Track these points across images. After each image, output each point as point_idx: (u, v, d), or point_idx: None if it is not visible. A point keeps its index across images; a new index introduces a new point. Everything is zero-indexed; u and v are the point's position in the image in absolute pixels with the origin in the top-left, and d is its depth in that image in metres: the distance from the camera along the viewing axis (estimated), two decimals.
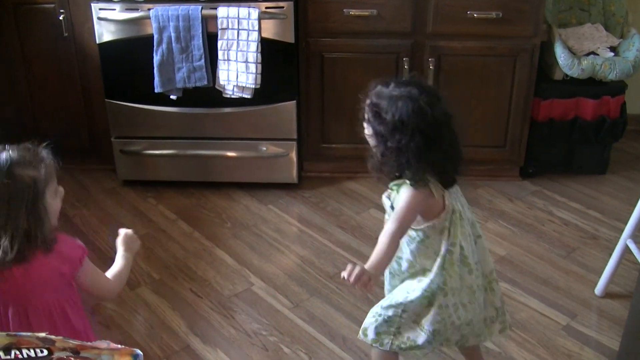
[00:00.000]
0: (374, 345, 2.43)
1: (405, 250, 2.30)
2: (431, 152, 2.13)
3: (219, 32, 3.50)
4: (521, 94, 3.78)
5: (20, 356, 1.78)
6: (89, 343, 1.83)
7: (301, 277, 3.29)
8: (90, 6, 3.61)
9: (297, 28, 3.65)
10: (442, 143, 2.17)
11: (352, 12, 3.61)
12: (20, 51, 3.86)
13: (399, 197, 2.22)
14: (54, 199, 2.10)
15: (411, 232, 2.25)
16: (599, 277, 3.16)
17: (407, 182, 2.17)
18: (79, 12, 3.73)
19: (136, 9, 3.57)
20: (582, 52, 3.84)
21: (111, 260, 3.37)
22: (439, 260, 2.24)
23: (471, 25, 3.62)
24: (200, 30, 3.50)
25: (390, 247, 2.19)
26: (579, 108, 3.88)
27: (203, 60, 3.55)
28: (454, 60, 3.73)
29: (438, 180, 2.21)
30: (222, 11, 3.47)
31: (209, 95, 3.67)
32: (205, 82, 3.60)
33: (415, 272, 2.33)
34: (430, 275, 2.26)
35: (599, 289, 3.16)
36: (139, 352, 1.88)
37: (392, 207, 2.26)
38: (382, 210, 3.71)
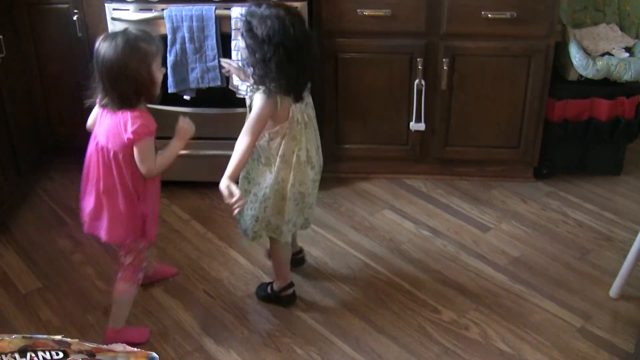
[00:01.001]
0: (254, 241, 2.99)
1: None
2: (289, 66, 2.56)
3: (233, 33, 3.50)
4: (535, 95, 3.76)
5: (35, 358, 1.78)
6: (104, 346, 1.84)
7: (314, 278, 3.28)
8: (104, 6, 3.61)
9: (311, 28, 3.65)
10: (300, 59, 2.59)
11: (366, 12, 3.60)
12: (34, 51, 3.87)
13: (254, 103, 2.69)
14: (157, 72, 2.66)
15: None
16: (614, 278, 3.15)
17: (261, 90, 2.63)
18: (92, 12, 3.73)
19: (150, 9, 3.57)
20: (597, 52, 3.82)
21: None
22: (278, 160, 2.77)
23: (485, 26, 3.61)
24: (214, 31, 3.50)
25: (245, 155, 2.70)
26: (593, 109, 3.86)
27: (217, 61, 3.54)
28: (468, 60, 3.72)
29: (289, 94, 2.66)
30: (235, 11, 3.47)
31: (222, 95, 3.67)
32: (219, 83, 3.60)
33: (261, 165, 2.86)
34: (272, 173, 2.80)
35: (613, 290, 3.14)
36: (155, 355, 1.88)
37: (250, 108, 2.75)
38: (396, 210, 3.72)
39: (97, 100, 2.78)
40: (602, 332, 2.96)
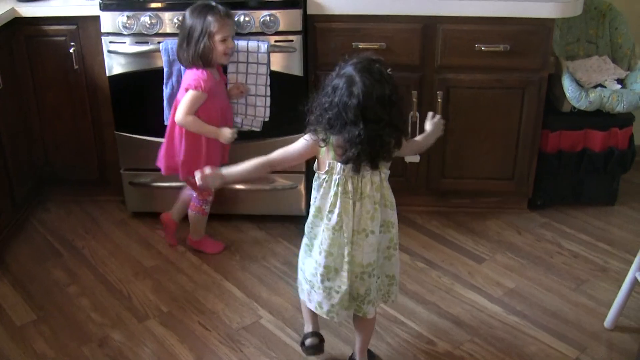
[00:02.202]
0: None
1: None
2: (344, 128, 2.36)
3: (229, 65, 3.52)
4: (529, 126, 3.79)
5: None
6: None
7: None
8: (101, 39, 3.64)
9: (307, 61, 3.67)
10: (355, 127, 2.35)
11: (361, 45, 3.63)
12: (32, 83, 3.89)
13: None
14: (219, 43, 3.24)
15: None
16: (609, 309, 3.15)
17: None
18: (89, 45, 3.76)
19: (146, 42, 3.60)
20: (589, 84, 3.85)
21: (119, 293, 3.40)
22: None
23: (479, 58, 3.64)
24: None
25: (254, 169, 2.65)
26: (587, 140, 3.89)
27: None
28: (463, 92, 3.74)
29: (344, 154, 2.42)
30: None
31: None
32: None
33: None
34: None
35: (608, 321, 3.15)
36: None
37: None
38: None
39: None
40: None
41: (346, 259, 2.53)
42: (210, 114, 3.33)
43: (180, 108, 3.31)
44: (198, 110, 3.30)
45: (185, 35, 3.26)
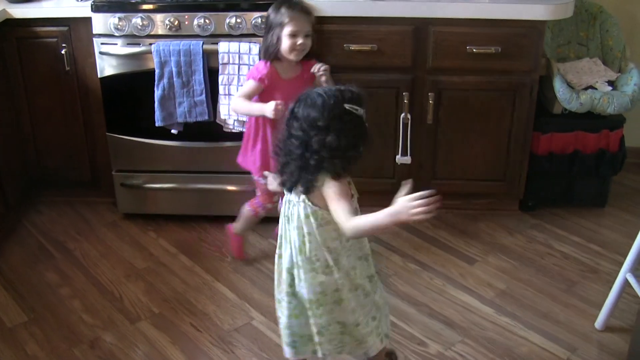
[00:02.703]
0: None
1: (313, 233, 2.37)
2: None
3: (220, 67, 3.53)
4: (521, 128, 3.80)
5: None
6: None
7: None
8: (93, 40, 3.64)
9: None
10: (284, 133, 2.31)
11: (353, 47, 3.64)
12: (23, 85, 3.89)
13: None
14: (287, 37, 3.14)
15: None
16: (600, 310, 3.16)
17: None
18: (81, 46, 3.76)
19: (138, 44, 3.60)
20: (580, 86, 3.86)
21: (111, 294, 3.40)
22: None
23: (471, 60, 3.65)
24: (202, 65, 3.53)
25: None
26: (578, 142, 3.90)
27: (204, 95, 3.57)
28: (454, 94, 3.75)
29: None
30: (223, 46, 3.50)
31: (209, 129, 3.69)
32: (206, 117, 3.62)
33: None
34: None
35: (599, 322, 3.15)
36: None
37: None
38: (383, 244, 3.73)
39: None
40: None
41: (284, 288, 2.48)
42: None
43: (234, 95, 3.38)
44: (255, 100, 3.24)
45: (265, 27, 3.28)
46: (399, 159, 3.81)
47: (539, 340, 3.09)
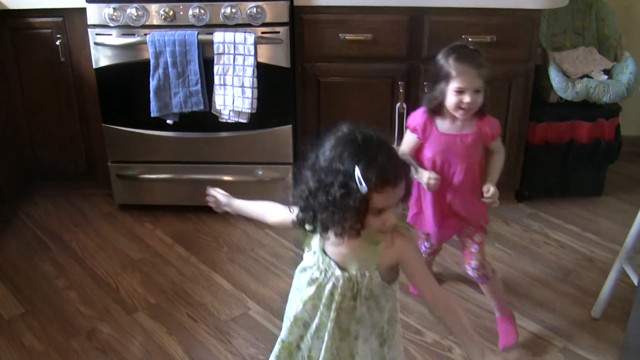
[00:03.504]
0: None
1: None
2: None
3: (215, 57, 3.52)
4: (516, 117, 3.80)
5: None
6: None
7: None
8: (87, 31, 3.63)
9: (293, 53, 3.67)
10: None
11: (348, 36, 3.63)
12: (18, 76, 3.88)
13: (400, 251, 1.99)
14: (452, 93, 2.67)
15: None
16: (596, 299, 3.16)
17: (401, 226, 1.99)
18: (76, 37, 3.75)
19: (133, 34, 3.59)
20: (576, 75, 3.86)
21: (107, 286, 3.40)
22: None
23: None
24: (197, 56, 3.52)
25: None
26: (574, 131, 3.90)
27: (199, 85, 3.56)
28: None
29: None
30: (218, 36, 3.50)
31: (205, 119, 3.69)
32: (202, 107, 3.61)
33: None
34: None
35: (595, 311, 3.16)
36: None
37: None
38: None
39: None
40: (584, 352, 2.97)
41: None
42: (421, 163, 2.85)
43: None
44: (414, 154, 2.85)
45: (432, 71, 2.80)
46: (395, 148, 3.80)
47: (535, 328, 3.09)
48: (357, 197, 1.81)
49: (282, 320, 3.13)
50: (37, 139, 4.05)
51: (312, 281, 2.07)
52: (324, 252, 2.05)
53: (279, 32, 3.55)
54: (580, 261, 3.57)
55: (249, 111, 3.58)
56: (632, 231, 2.95)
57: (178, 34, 3.50)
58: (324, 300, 2.04)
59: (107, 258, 3.62)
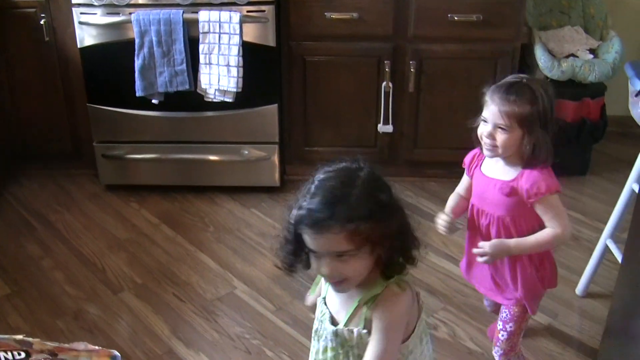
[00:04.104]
0: None
1: None
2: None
3: (201, 36, 3.51)
4: None
5: None
6: (66, 345, 1.83)
7: (284, 280, 3.28)
8: (72, 10, 3.60)
9: (279, 32, 3.66)
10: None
11: (334, 15, 3.62)
12: (2, 55, 3.85)
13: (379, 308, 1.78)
14: (483, 124, 2.37)
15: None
16: (580, 277, 3.18)
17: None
18: (60, 16, 3.72)
19: (117, 13, 3.57)
20: (562, 54, 3.86)
21: (93, 266, 3.39)
22: None
23: (452, 29, 3.64)
24: (182, 35, 3.50)
25: None
26: (559, 110, 3.89)
27: (185, 65, 3.55)
28: (435, 63, 3.74)
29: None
30: (203, 15, 3.48)
31: (191, 99, 3.68)
32: (187, 87, 3.60)
33: None
34: None
35: (580, 289, 3.18)
36: (117, 353, 1.88)
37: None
38: None
39: None
40: (569, 329, 2.99)
41: None
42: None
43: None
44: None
45: None
46: (381, 127, 3.81)
47: None
48: (289, 229, 1.72)
49: (267, 299, 3.16)
50: (22, 119, 4.02)
51: (314, 333, 1.94)
52: (324, 300, 1.92)
53: (264, 11, 3.53)
54: None
55: (235, 90, 3.57)
56: (617, 209, 2.97)
57: (163, 12, 3.48)
58: (321, 356, 1.90)
59: (93, 238, 3.62)
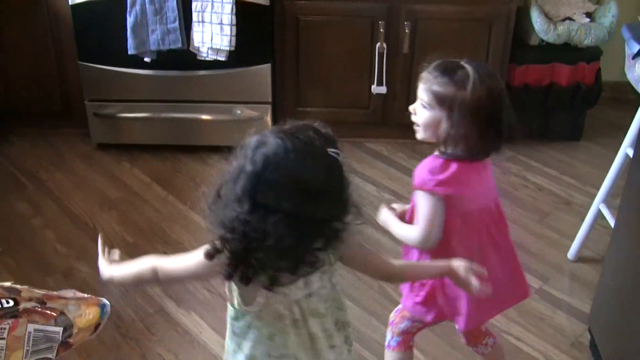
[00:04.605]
0: None
1: None
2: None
3: None
4: (497, 60, 3.78)
5: None
6: (54, 293, 1.83)
7: None
8: None
9: None
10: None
11: None
12: None
13: None
14: None
15: None
16: (572, 241, 3.19)
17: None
18: None
19: None
20: (558, 17, 3.84)
21: (84, 224, 3.38)
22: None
23: None
24: None
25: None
26: (554, 74, 3.89)
27: (177, 22, 3.51)
28: (430, 24, 3.71)
29: None
30: None
31: (183, 57, 3.65)
32: (180, 45, 3.57)
33: None
34: None
35: (571, 253, 3.19)
36: (106, 301, 1.88)
37: None
38: (358, 174, 3.71)
39: None
40: (560, 293, 3.00)
41: None
42: None
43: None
44: None
45: None
46: (375, 88, 3.79)
47: None
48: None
49: None
50: (12, 77, 3.98)
51: None
52: None
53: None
54: (558, 204, 3.59)
55: (228, 49, 3.54)
56: (610, 174, 2.96)
57: None
58: None
59: (84, 197, 3.60)
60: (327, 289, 1.81)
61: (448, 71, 2.05)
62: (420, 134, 2.12)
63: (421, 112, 2.07)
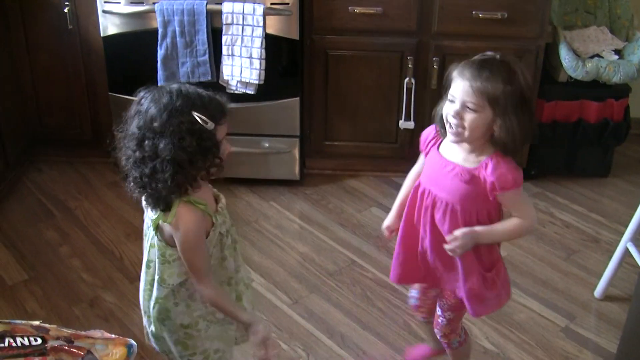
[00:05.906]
0: None
1: None
2: None
3: (224, 27, 3.50)
4: None
5: (14, 344, 1.78)
6: (82, 332, 1.83)
7: (301, 274, 3.28)
8: None
9: (302, 24, 3.65)
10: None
11: (358, 9, 3.61)
12: (25, 43, 3.86)
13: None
14: (448, 102, 2.09)
15: None
16: (599, 279, 3.16)
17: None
18: (84, 4, 3.72)
19: (141, 3, 3.57)
20: (586, 54, 3.83)
21: (111, 254, 3.40)
22: None
23: (476, 25, 3.62)
24: (205, 25, 3.50)
25: None
26: (582, 110, 3.88)
27: (207, 55, 3.54)
28: (459, 59, 3.70)
29: None
30: (227, 6, 3.47)
31: (212, 90, 3.66)
32: (209, 77, 3.60)
33: None
34: None
35: (598, 291, 3.16)
36: (133, 342, 1.88)
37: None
38: (384, 208, 3.71)
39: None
40: (586, 332, 2.97)
41: None
42: None
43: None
44: None
45: None
46: (402, 123, 3.80)
47: (537, 307, 3.09)
48: (210, 136, 1.95)
49: (284, 292, 3.15)
50: (44, 106, 4.03)
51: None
52: None
53: (288, 4, 3.52)
54: (585, 241, 3.56)
55: (257, 82, 3.56)
56: (638, 212, 2.94)
57: (187, 3, 3.48)
58: None
59: (111, 226, 3.62)
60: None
61: (491, 67, 2.03)
62: (464, 138, 2.06)
63: (469, 115, 2.00)
